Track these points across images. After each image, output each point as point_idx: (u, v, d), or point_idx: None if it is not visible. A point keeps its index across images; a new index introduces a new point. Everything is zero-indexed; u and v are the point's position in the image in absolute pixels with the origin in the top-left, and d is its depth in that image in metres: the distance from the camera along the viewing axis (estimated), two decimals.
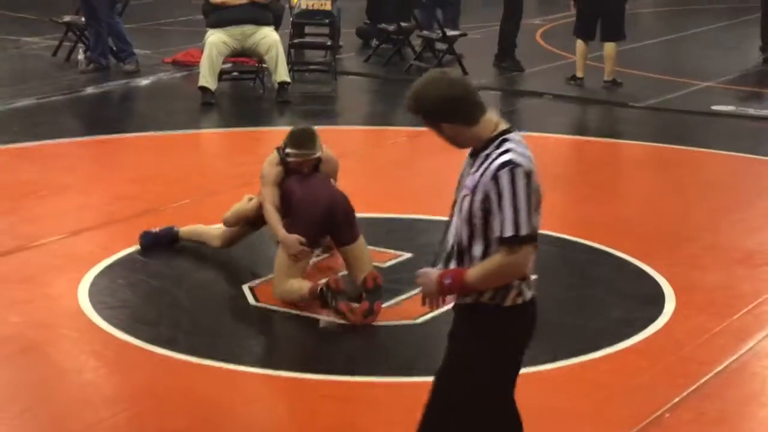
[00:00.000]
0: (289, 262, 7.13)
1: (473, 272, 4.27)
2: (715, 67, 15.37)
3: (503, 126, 4.34)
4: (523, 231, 4.19)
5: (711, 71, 14.97)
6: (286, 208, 7.34)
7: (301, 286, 7.09)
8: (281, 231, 7.18)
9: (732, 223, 8.95)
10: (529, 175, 4.22)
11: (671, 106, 13.03)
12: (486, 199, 4.21)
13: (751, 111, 12.70)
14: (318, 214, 7.22)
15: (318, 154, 7.45)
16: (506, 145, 4.26)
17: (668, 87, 13.94)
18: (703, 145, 11.41)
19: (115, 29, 14.40)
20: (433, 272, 4.38)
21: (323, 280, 7.02)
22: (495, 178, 4.19)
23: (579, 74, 14.00)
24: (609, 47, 13.89)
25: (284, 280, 7.14)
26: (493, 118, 4.33)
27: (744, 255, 8.20)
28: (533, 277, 4.41)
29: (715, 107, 12.89)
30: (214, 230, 8.01)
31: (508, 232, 4.18)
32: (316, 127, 7.70)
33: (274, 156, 7.51)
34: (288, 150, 7.39)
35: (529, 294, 4.40)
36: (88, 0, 14.17)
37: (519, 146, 4.27)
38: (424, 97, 4.31)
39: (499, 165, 4.20)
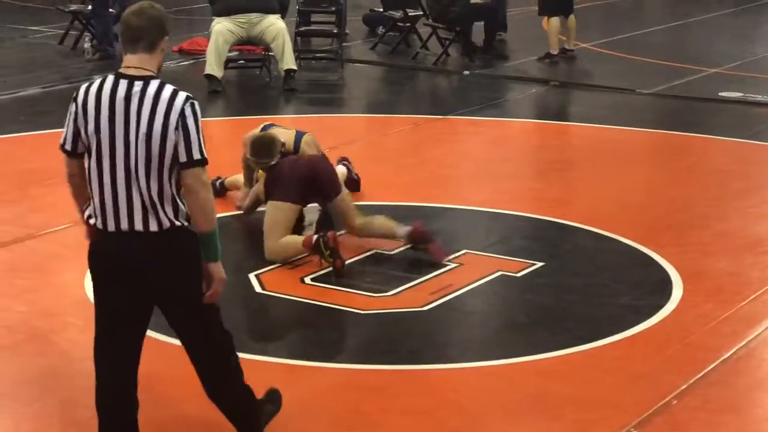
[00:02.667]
0: (278, 220, 7.62)
1: None
2: (723, 53, 15.34)
3: (126, 71, 4.67)
4: (60, 140, 4.82)
5: (718, 58, 14.94)
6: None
7: (295, 239, 7.58)
8: None
9: (739, 210, 8.93)
10: (73, 100, 4.75)
11: (678, 92, 13.00)
12: None
13: (759, 97, 12.66)
14: (301, 172, 7.76)
15: (273, 162, 7.89)
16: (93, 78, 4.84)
17: (675, 73, 13.92)
18: (710, 132, 11.38)
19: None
20: None
21: (318, 234, 7.46)
22: None
23: (554, 51, 14.49)
24: (573, 20, 14.58)
25: (276, 238, 7.60)
26: (131, 62, 4.69)
27: (752, 242, 8.18)
28: (114, 212, 4.65)
29: (722, 94, 12.87)
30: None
31: None
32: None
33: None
34: (249, 156, 8.08)
35: (96, 222, 4.70)
36: None
37: (93, 84, 4.71)
38: None
39: None
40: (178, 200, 4.68)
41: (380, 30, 16.20)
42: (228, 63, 13.23)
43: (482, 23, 14.94)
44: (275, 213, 7.71)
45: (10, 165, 9.93)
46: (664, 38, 16.96)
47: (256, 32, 12.96)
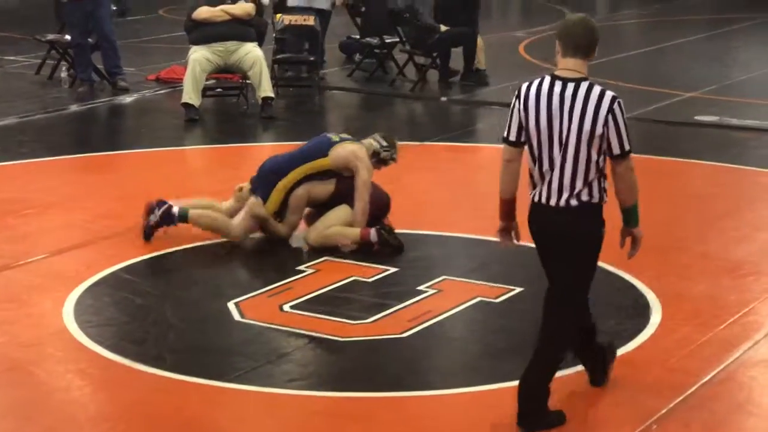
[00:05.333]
0: (344, 220, 8.45)
1: None
2: (698, 77, 15.42)
3: (561, 73, 5.52)
4: (504, 133, 5.75)
5: (694, 82, 15.01)
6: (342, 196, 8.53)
7: (353, 231, 8.40)
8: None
9: (718, 234, 8.96)
10: (516, 97, 5.62)
11: (654, 116, 13.05)
12: None
13: (734, 121, 12.73)
14: (383, 207, 8.72)
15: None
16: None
17: (651, 98, 13.98)
18: (687, 155, 11.43)
19: (115, 44, 14.36)
20: None
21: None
22: None
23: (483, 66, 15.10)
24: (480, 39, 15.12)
25: (335, 227, 8.42)
26: (567, 65, 5.51)
27: (731, 265, 8.20)
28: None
29: (698, 118, 12.93)
30: (231, 221, 8.58)
31: None
32: (302, 143, 7.78)
33: (363, 150, 8.59)
34: (393, 152, 8.80)
35: (535, 196, 5.72)
36: (97, 15, 14.04)
37: (533, 83, 5.58)
38: None
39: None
40: (596, 183, 5.59)
41: (357, 57, 16.24)
42: (205, 91, 13.23)
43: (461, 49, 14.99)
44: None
45: None
46: (639, 63, 17.05)
47: (233, 60, 12.97)
